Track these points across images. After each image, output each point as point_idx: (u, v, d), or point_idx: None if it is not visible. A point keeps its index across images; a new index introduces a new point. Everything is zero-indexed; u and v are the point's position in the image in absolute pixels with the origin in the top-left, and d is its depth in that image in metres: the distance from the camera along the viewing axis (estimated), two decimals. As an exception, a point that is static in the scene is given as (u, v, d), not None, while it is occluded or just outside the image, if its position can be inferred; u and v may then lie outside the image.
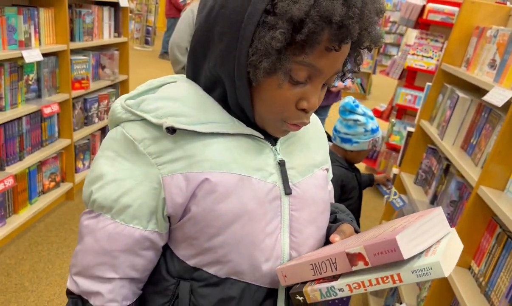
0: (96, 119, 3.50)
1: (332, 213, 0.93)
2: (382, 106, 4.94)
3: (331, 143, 2.03)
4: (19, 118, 2.59)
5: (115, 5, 3.59)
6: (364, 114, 1.93)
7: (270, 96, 0.69)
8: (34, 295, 2.27)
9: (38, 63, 2.72)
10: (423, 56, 3.77)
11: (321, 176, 0.86)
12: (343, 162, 1.98)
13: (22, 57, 2.44)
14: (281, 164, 0.78)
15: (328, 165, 0.93)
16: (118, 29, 3.70)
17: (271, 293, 0.79)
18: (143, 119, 0.72)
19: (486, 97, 1.52)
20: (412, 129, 2.73)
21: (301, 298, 0.72)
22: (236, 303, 0.76)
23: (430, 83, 2.53)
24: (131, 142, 0.71)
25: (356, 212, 2.06)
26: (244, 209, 0.72)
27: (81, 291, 0.75)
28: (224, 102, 0.76)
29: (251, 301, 0.77)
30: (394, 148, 4.25)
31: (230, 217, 0.72)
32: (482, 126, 1.74)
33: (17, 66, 2.52)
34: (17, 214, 2.68)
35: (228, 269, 0.75)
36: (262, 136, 0.77)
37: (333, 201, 1.01)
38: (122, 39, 3.74)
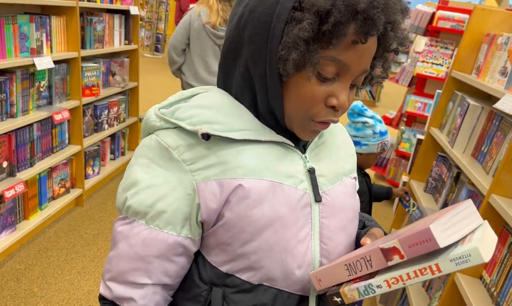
0: (106, 126, 3.53)
1: (359, 221, 0.93)
2: (392, 114, 4.92)
3: None
4: (30, 125, 2.62)
5: (126, 13, 3.63)
6: (372, 117, 1.94)
7: (299, 92, 0.70)
8: (43, 301, 2.28)
9: (50, 70, 2.76)
10: (432, 63, 3.75)
11: (350, 184, 0.87)
12: None
13: (34, 65, 2.47)
14: (311, 172, 0.78)
15: (356, 174, 0.93)
16: (128, 37, 3.73)
17: (302, 300, 0.79)
18: (177, 127, 0.73)
19: (497, 105, 1.50)
20: (422, 137, 2.72)
21: (338, 299, 0.71)
22: None
23: (440, 91, 2.51)
24: (165, 150, 0.72)
25: None
26: (276, 215, 0.73)
27: (115, 297, 0.76)
28: (254, 109, 0.77)
29: None
30: (403, 156, 4.22)
31: (263, 223, 0.72)
32: (493, 134, 1.72)
33: (29, 74, 2.55)
34: (27, 219, 2.70)
35: (261, 275, 0.75)
36: (293, 144, 0.78)
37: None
38: (132, 46, 3.78)
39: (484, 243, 0.60)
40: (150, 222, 0.73)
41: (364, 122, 1.92)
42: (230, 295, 0.76)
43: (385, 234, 0.84)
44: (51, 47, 2.73)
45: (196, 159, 0.72)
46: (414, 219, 2.26)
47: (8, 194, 2.34)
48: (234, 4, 0.77)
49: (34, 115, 2.59)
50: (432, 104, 2.88)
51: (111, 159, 3.81)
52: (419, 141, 2.93)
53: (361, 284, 0.67)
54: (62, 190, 3.05)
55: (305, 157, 0.79)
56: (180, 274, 0.79)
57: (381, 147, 1.95)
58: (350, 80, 0.71)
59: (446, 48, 3.75)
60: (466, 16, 3.58)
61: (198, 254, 0.79)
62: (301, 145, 0.81)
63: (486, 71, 1.97)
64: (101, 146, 3.53)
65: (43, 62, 2.53)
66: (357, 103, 1.96)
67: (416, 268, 0.61)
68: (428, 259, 0.61)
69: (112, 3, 3.36)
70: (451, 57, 3.71)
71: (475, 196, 1.75)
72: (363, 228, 0.92)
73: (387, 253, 0.63)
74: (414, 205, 2.25)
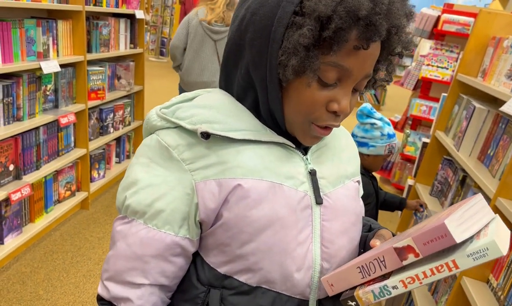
0: (112, 129, 3.54)
1: (364, 225, 0.92)
2: (397, 117, 4.91)
3: None
4: (37, 128, 2.63)
5: (131, 17, 3.65)
6: (381, 119, 1.95)
7: (299, 97, 0.70)
8: (49, 303, 2.29)
9: (56, 74, 2.77)
10: (438, 66, 3.74)
11: (352, 187, 0.86)
12: (360, 167, 1.97)
13: (40, 68, 2.49)
14: (312, 173, 0.78)
15: (359, 178, 0.92)
16: (134, 41, 3.75)
17: (302, 304, 0.77)
18: (178, 127, 0.74)
19: (504, 108, 1.50)
20: (427, 140, 2.71)
21: (353, 303, 0.70)
22: None
23: (445, 94, 2.51)
24: (165, 149, 0.73)
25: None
26: (276, 215, 0.72)
27: (112, 297, 0.75)
28: (256, 110, 0.77)
29: None
30: (408, 159, 4.21)
31: (262, 223, 0.72)
32: (500, 137, 1.71)
33: (35, 77, 2.57)
34: (33, 222, 2.72)
35: (259, 277, 0.74)
36: (293, 145, 0.77)
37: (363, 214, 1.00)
38: (137, 50, 3.79)
39: (499, 236, 0.58)
40: (148, 221, 0.72)
41: (372, 124, 1.93)
42: (228, 297, 0.75)
43: (393, 235, 0.83)
44: (57, 51, 2.75)
45: (195, 158, 0.72)
46: (420, 220, 2.25)
47: (15, 197, 2.35)
48: (237, 5, 0.77)
49: (40, 119, 2.60)
50: (438, 108, 2.87)
51: (116, 162, 3.83)
52: (425, 144, 2.92)
53: (376, 286, 0.66)
54: (68, 193, 3.07)
55: (307, 159, 0.79)
56: (178, 275, 0.78)
57: (389, 149, 1.96)
58: (352, 85, 0.70)
59: (451, 51, 3.74)
60: (471, 19, 3.58)
61: (196, 255, 0.79)
62: (303, 148, 0.80)
63: (492, 74, 1.96)
64: (107, 150, 3.55)
65: (50, 66, 2.54)
66: (366, 105, 1.97)
67: (432, 266, 0.60)
68: (443, 256, 0.60)
69: (117, 7, 3.38)
70: (456, 61, 3.70)
71: (481, 199, 1.74)
72: (369, 230, 0.90)
73: (401, 252, 0.62)
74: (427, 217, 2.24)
